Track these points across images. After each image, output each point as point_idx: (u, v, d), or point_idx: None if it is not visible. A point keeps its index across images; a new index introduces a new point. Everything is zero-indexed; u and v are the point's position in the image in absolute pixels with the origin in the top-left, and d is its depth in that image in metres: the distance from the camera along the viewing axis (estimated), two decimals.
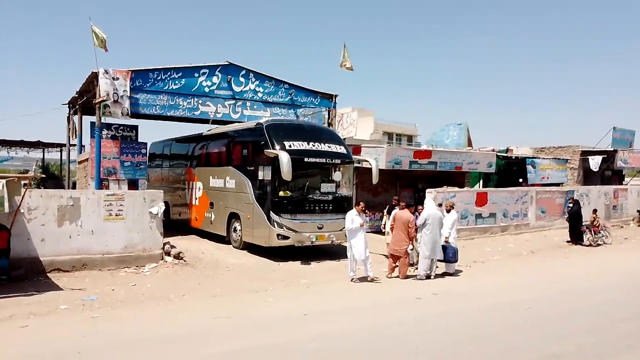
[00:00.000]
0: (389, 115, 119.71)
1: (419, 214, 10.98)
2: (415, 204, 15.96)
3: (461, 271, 11.37)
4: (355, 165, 13.83)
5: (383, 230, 13.04)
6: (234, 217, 13.38)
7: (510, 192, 18.15)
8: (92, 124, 14.62)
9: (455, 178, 19.54)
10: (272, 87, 16.50)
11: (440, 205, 12.18)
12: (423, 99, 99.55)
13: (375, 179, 13.30)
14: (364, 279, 10.00)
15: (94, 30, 12.91)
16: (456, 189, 16.90)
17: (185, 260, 11.43)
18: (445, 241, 10.89)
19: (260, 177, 12.21)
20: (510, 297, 8.92)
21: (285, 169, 11.05)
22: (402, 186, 19.89)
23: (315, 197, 12.18)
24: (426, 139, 29.45)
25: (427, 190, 15.41)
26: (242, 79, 16.01)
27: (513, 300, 8.66)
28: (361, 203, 10.50)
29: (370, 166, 13.39)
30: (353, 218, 10.15)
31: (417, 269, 10.85)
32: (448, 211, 11.38)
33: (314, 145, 12.30)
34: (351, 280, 9.93)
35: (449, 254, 10.79)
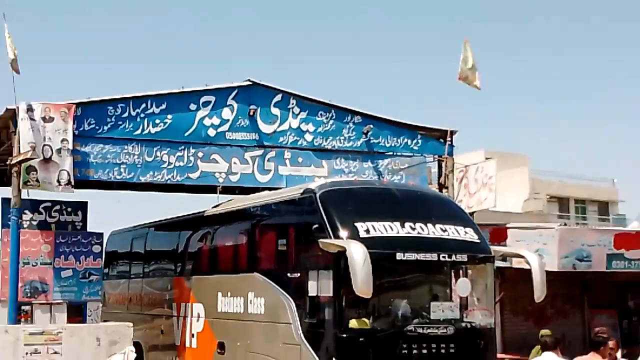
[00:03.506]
0: (558, 163, 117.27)
1: None
2: (623, 339, 15.05)
3: None
4: (498, 264, 13.35)
5: None
6: None
7: None
8: (5, 202, 15.08)
9: None
10: (332, 122, 16.67)
11: None
12: (625, 133, 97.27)
13: (539, 292, 12.65)
14: None
15: (7, 37, 13.68)
16: None
17: None
18: None
19: (312, 293, 11.92)
20: None
21: (361, 274, 10.67)
22: (593, 305, 19.08)
23: (420, 331, 11.65)
24: (638, 209, 28.44)
25: None
26: (275, 111, 16.31)
27: None
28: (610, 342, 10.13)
29: (527, 266, 12.83)
30: None
31: None
32: None
33: (413, 228, 12.00)
34: None
35: None
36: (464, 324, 12.16)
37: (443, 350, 11.69)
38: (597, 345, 10.03)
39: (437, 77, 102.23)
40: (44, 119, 14.07)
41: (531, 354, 13.80)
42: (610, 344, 10.43)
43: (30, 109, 13.96)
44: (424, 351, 11.58)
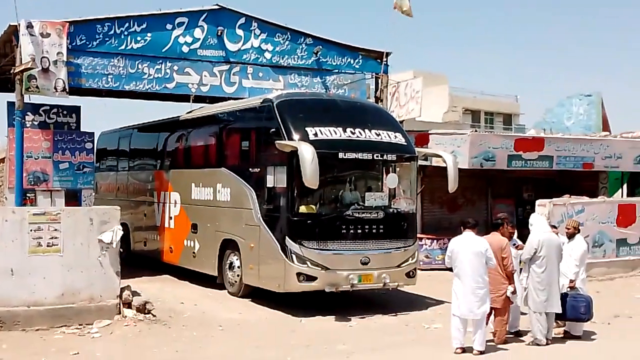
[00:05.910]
0: (473, 82, 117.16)
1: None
2: (518, 223, 15.73)
3: (594, 332, 11.10)
4: (420, 162, 13.83)
5: None
6: (229, 246, 13.48)
7: None
8: (11, 105, 14.96)
9: (583, 182, 19.16)
10: (287, 43, 16.65)
11: (554, 227, 11.83)
12: (526, 57, 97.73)
13: (452, 185, 13.19)
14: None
15: None
16: (585, 198, 16.58)
17: (154, 315, 11.50)
18: (570, 287, 10.63)
19: (269, 184, 12.30)
20: None
21: (309, 170, 11.05)
22: (495, 196, 19.74)
23: (356, 215, 12.20)
24: (534, 120, 29.02)
25: (538, 202, 15.17)
26: (240, 32, 16.20)
27: None
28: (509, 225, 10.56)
29: (444, 164, 13.30)
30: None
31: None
32: (571, 236, 11.11)
33: (353, 133, 12.38)
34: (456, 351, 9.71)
35: (579, 308, 10.43)
36: (391, 210, 12.76)
37: (374, 230, 12.30)
38: (496, 226, 10.63)
39: (375, 4, 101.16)
40: (42, 34, 13.86)
41: None
42: (510, 226, 10.88)
43: (30, 26, 13.74)
44: (359, 231, 12.18)
